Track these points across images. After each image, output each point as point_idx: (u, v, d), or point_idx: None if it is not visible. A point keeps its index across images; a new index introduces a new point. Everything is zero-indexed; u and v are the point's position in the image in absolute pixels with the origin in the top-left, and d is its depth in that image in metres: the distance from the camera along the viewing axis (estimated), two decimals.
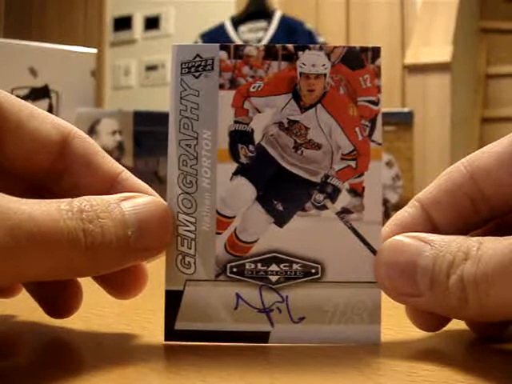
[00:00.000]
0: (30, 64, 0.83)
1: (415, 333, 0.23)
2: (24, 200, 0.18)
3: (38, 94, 0.82)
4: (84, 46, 0.91)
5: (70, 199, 0.19)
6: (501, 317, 0.19)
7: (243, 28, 2.13)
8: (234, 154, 0.21)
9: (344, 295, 0.21)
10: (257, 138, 0.22)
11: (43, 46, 0.84)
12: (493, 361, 0.20)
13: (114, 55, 3.00)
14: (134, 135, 0.89)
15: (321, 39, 2.10)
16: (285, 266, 0.21)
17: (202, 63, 0.22)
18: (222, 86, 0.21)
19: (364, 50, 0.22)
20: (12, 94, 0.22)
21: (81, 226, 0.18)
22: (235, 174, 0.21)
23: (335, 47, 0.22)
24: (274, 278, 0.21)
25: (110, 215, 0.19)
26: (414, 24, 2.04)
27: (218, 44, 0.22)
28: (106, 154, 0.23)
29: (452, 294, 0.19)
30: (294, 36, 2.09)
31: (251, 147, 0.22)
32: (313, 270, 0.21)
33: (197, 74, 0.21)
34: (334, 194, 0.21)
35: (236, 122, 0.22)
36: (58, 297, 0.23)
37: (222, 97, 0.21)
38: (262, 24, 2.11)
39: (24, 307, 0.25)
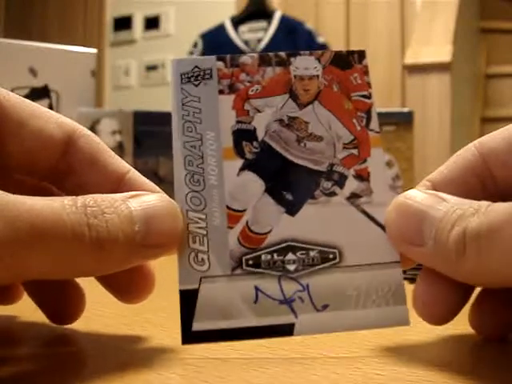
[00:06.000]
0: (30, 64, 0.83)
1: (416, 333, 0.23)
2: (25, 196, 0.17)
3: (38, 93, 0.82)
4: (84, 46, 0.91)
5: (74, 196, 0.18)
6: (497, 279, 0.19)
7: (243, 28, 2.13)
8: (239, 151, 0.22)
9: (365, 278, 0.21)
10: (260, 135, 0.22)
11: (43, 45, 0.84)
12: (494, 361, 0.20)
13: (113, 55, 3.00)
14: (134, 135, 0.89)
15: (321, 39, 2.10)
16: (301, 254, 0.21)
17: (201, 73, 0.23)
18: (221, 92, 0.22)
19: (350, 52, 0.23)
20: None
21: (85, 220, 0.18)
22: (242, 169, 0.22)
23: (324, 52, 0.23)
24: (291, 267, 0.21)
25: (115, 210, 0.18)
26: (414, 24, 2.05)
27: (215, 56, 0.23)
28: (112, 153, 0.22)
29: (451, 244, 0.19)
30: (294, 36, 2.08)
31: (255, 143, 0.22)
32: (330, 256, 0.21)
33: (196, 82, 0.23)
34: (341, 181, 0.22)
35: (238, 122, 0.22)
36: (60, 302, 0.23)
37: (223, 101, 0.22)
38: (262, 24, 2.11)
39: (25, 307, 0.25)
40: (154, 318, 0.26)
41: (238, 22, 2.15)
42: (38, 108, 0.22)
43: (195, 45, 2.18)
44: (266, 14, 2.12)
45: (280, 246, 0.21)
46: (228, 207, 0.21)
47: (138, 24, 2.94)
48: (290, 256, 0.21)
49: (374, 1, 2.40)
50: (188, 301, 0.20)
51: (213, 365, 0.19)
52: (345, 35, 2.44)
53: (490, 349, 0.21)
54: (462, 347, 0.22)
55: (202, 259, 0.21)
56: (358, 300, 0.21)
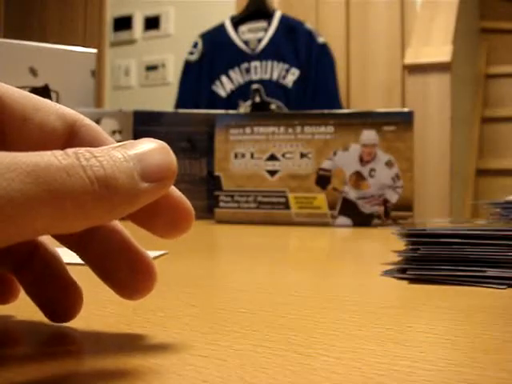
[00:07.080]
0: (30, 64, 0.83)
1: (415, 333, 0.23)
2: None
3: (38, 93, 0.82)
4: (84, 46, 0.91)
5: None
6: None
7: (243, 28, 2.13)
8: None
9: None
10: None
11: (43, 45, 0.84)
12: (494, 361, 0.20)
13: (114, 55, 3.00)
14: (134, 135, 0.89)
15: (321, 39, 2.10)
16: None
17: None
18: None
19: None
20: None
21: (77, 163, 0.17)
22: None
23: None
24: None
25: (107, 153, 0.18)
26: (413, 24, 2.05)
27: None
28: (113, 141, 0.22)
29: None
30: (294, 36, 2.09)
31: None
32: None
33: None
34: None
35: None
36: (58, 301, 0.23)
37: None
38: (262, 24, 2.11)
39: (25, 307, 0.25)
40: (154, 317, 0.26)
41: (237, 21, 2.15)
42: (39, 100, 0.22)
43: (195, 45, 2.18)
44: (266, 14, 2.12)
45: None
46: None
47: (138, 24, 2.94)
48: None
49: (374, 1, 2.40)
50: None
51: (213, 365, 0.19)
52: (345, 35, 2.44)
53: (491, 349, 0.21)
54: (462, 347, 0.22)
55: None
56: None
